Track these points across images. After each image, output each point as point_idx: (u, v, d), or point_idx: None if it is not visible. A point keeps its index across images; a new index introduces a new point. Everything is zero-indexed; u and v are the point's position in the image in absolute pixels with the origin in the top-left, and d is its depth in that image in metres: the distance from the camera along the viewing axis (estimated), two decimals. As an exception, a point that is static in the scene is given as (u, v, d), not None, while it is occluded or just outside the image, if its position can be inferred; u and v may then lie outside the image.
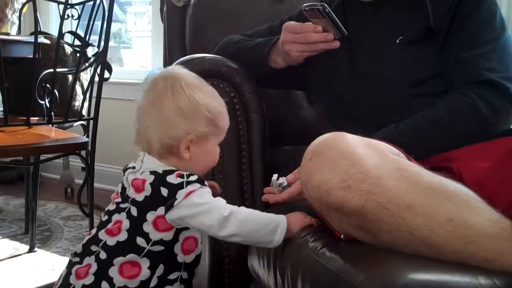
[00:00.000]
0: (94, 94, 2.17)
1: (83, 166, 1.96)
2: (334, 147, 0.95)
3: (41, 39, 2.24)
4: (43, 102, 1.96)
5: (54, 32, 3.26)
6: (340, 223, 0.97)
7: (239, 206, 1.12)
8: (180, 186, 1.09)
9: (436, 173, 0.95)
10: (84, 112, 2.28)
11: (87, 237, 1.15)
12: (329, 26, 1.33)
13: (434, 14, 1.30)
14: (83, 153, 1.95)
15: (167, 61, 2.00)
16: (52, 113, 1.91)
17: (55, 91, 1.96)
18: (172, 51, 1.96)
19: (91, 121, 2.03)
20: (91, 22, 2.18)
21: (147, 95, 1.15)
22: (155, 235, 1.10)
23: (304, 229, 1.10)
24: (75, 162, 3.34)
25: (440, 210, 0.88)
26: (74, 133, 2.13)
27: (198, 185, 1.10)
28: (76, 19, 2.63)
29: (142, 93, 1.16)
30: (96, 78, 2.10)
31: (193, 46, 1.87)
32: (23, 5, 2.83)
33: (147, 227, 1.10)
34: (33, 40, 2.11)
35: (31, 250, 2.32)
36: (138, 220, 1.10)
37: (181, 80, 1.14)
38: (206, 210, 1.09)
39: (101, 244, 1.11)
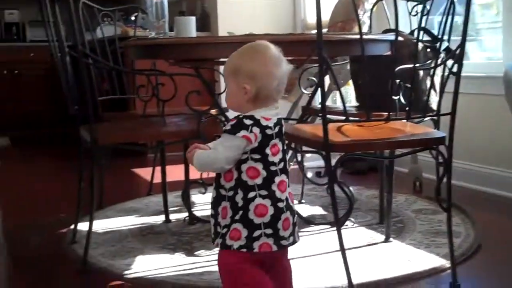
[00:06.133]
0: (446, 89, 2.16)
1: (439, 161, 1.96)
2: None
3: (393, 36, 2.31)
4: (396, 98, 2.03)
5: (403, 29, 3.34)
6: None
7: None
8: None
9: None
10: (434, 106, 2.27)
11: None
12: None
13: None
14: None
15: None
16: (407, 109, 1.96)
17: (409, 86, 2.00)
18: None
19: (442, 116, 2.03)
20: (444, 18, 2.16)
21: (281, 63, 1.47)
22: None
23: None
24: (422, 156, 3.37)
25: None
26: (428, 128, 2.15)
27: None
28: (425, 15, 2.64)
29: (276, 62, 1.47)
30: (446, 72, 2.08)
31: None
32: (374, 5, 2.97)
33: None
34: (387, 38, 2.20)
35: (386, 240, 2.41)
36: None
37: None
38: None
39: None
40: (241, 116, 1.44)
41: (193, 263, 2.21)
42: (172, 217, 2.79)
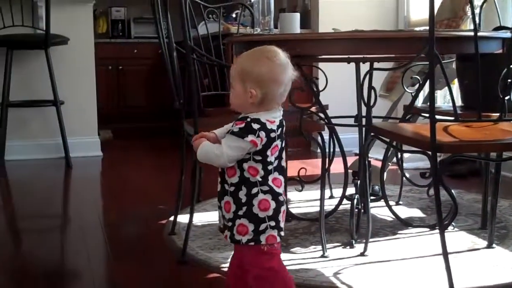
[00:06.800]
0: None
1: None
2: None
3: (506, 34, 2.21)
4: (507, 98, 1.93)
5: (513, 26, 3.19)
6: None
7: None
8: None
9: None
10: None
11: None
12: None
13: None
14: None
15: None
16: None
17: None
18: None
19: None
20: None
21: (287, 69, 1.53)
22: None
23: None
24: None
25: None
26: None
27: None
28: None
29: (284, 69, 1.52)
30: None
31: None
32: (484, 1, 2.85)
33: None
34: (500, 36, 2.11)
35: (489, 246, 2.31)
36: None
37: None
38: None
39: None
40: (248, 120, 1.51)
41: (289, 259, 2.21)
42: (268, 213, 2.80)
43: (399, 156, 2.85)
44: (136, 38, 6.44)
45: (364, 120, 2.51)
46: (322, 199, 2.29)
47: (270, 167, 1.54)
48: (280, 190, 1.55)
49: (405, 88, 2.72)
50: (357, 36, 2.01)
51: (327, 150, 2.65)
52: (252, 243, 1.53)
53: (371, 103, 2.34)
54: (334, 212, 2.64)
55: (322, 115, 2.51)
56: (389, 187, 3.13)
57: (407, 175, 3.04)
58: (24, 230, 2.89)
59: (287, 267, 2.10)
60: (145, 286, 2.07)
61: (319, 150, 4.54)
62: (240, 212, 1.54)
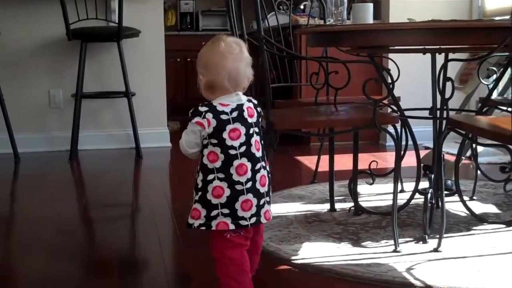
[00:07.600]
0: None
1: None
2: None
3: None
4: None
5: None
6: None
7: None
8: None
9: None
10: None
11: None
12: None
13: None
14: None
15: None
16: None
17: None
18: None
19: None
20: None
21: (237, 56, 1.58)
22: None
23: None
24: None
25: None
26: None
27: None
28: None
29: (232, 55, 1.59)
30: None
31: None
32: None
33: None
34: None
35: None
36: (260, 134, 1.65)
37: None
38: None
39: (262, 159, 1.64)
40: (200, 104, 1.59)
41: (360, 253, 2.19)
42: (337, 206, 2.78)
43: (474, 149, 2.76)
44: (204, 31, 6.51)
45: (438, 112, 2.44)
46: (395, 192, 2.25)
47: (233, 152, 1.58)
48: (243, 178, 1.58)
49: (481, 80, 2.63)
50: (436, 26, 1.95)
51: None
52: (203, 228, 1.61)
53: (448, 95, 2.27)
54: (405, 206, 2.59)
55: (394, 107, 2.46)
56: (462, 181, 3.04)
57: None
58: (97, 218, 2.97)
59: (358, 261, 2.10)
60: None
61: (387, 143, 4.54)
62: (196, 197, 1.62)
